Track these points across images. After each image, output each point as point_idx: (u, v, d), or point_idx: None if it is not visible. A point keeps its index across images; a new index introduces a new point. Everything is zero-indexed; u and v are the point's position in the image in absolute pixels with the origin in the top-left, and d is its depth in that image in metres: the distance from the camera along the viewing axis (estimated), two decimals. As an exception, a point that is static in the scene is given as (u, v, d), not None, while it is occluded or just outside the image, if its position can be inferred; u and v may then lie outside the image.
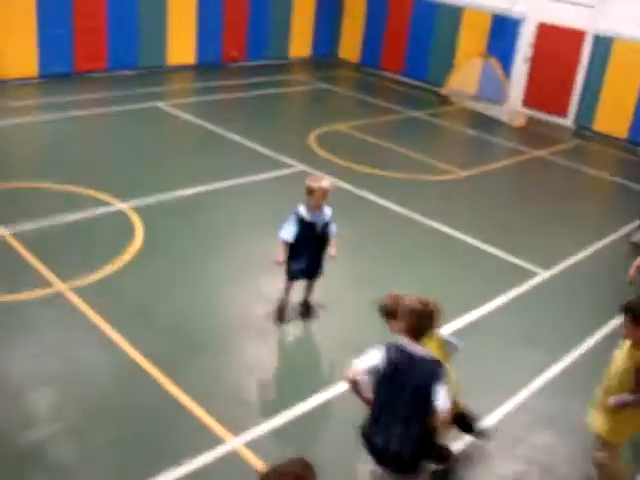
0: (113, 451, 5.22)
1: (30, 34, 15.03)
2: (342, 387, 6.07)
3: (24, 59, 15.16)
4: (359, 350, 4.53)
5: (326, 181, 6.84)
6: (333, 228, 6.98)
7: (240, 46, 18.88)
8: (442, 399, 4.04)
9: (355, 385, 4.30)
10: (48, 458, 5.08)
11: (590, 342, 7.28)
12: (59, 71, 15.72)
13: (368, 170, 11.62)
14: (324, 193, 6.69)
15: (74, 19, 15.60)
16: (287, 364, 6.67)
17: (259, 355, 6.55)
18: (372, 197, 10.44)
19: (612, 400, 4.71)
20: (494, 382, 6.45)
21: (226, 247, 8.59)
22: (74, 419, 5.48)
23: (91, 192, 9.61)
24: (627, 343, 4.80)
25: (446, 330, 7.12)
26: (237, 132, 12.90)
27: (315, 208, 6.78)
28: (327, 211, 6.91)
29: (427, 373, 4.10)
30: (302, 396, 6.00)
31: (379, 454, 4.28)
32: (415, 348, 4.16)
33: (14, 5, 14.62)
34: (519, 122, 16.10)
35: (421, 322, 4.17)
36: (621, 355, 4.82)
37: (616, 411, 4.74)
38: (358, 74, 19.74)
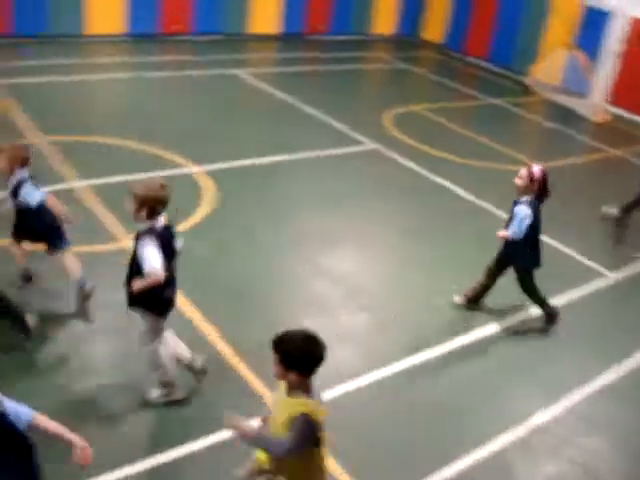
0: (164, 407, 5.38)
1: (120, -7, 15.39)
2: (418, 359, 6.11)
3: (112, 17, 15.50)
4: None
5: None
6: None
7: (325, 19, 18.84)
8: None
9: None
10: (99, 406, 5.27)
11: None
12: (145, 31, 16.02)
13: (442, 154, 11.49)
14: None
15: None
16: (345, 337, 6.69)
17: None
18: (444, 182, 10.33)
19: None
20: (547, 383, 6.36)
21: (291, 218, 8.65)
22: (132, 372, 5.65)
23: (166, 153, 9.81)
24: (281, 386, 3.75)
25: (521, 325, 7.07)
26: (313, 105, 12.93)
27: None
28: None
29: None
30: (356, 372, 6.03)
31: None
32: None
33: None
34: (602, 118, 15.62)
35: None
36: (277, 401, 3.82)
37: None
38: (440, 56, 19.45)
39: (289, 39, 18.11)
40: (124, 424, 5.12)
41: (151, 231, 4.74)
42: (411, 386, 6.00)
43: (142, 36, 15.94)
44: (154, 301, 4.96)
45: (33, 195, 6.02)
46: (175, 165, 9.52)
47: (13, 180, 5.99)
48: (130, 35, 15.86)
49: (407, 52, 19.02)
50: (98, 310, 6.27)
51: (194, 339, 6.03)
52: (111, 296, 6.12)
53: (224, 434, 4.94)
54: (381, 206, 9.34)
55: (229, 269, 7.32)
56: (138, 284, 4.75)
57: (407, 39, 20.34)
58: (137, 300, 4.94)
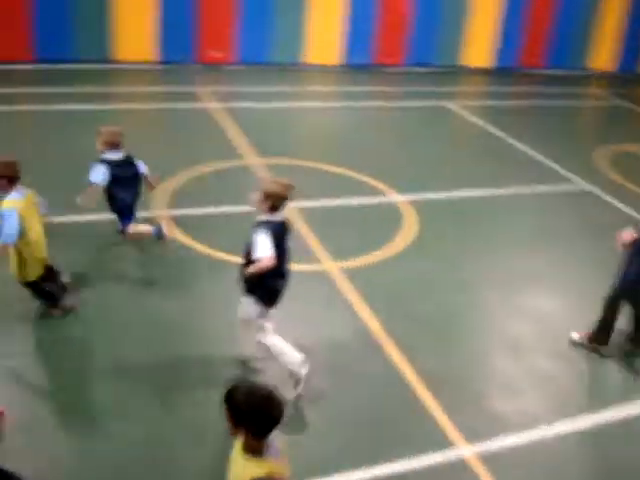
0: (342, 426, 5.40)
1: (335, 28, 16.04)
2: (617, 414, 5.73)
3: (329, 49, 16.19)
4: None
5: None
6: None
7: (540, 53, 18.35)
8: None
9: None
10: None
11: None
12: (360, 62, 16.54)
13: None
14: None
15: (380, 14, 16.29)
16: (539, 383, 6.37)
17: (506, 369, 6.35)
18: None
19: None
20: None
21: (492, 255, 8.42)
22: (317, 386, 5.75)
23: (370, 180, 9.98)
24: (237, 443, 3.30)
25: None
26: (522, 140, 12.58)
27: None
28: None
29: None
30: (549, 420, 5.72)
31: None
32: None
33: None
34: None
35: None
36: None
37: None
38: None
39: (502, 73, 17.82)
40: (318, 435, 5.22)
41: (268, 223, 5.27)
42: (611, 443, 5.57)
43: (356, 67, 16.45)
44: (264, 290, 5.45)
45: (97, 174, 6.99)
46: (379, 192, 9.66)
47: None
48: (345, 66, 16.43)
49: (625, 88, 17.98)
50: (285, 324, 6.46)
51: (385, 365, 6.03)
52: (308, 314, 6.27)
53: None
54: (591, 250, 8.80)
55: (425, 300, 7.26)
56: (251, 269, 5.22)
57: (626, 75, 19.25)
58: (249, 288, 5.44)
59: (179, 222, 8.21)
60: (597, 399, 6.10)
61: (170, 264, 7.40)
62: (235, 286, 5.69)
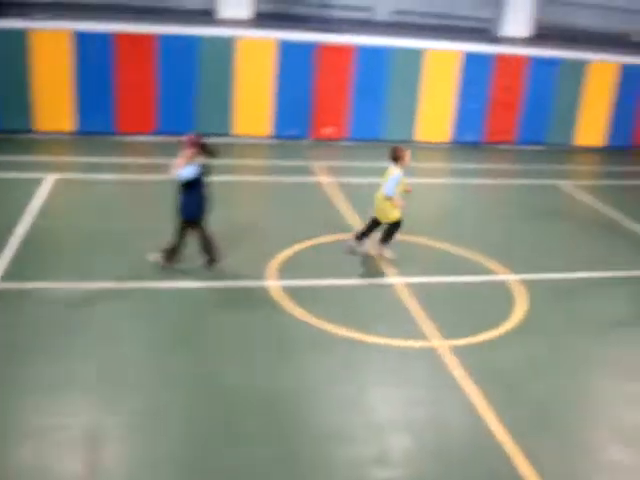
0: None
1: (448, 107, 16.30)
2: None
3: (440, 127, 16.44)
4: None
5: None
6: None
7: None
8: None
9: None
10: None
11: None
12: (471, 140, 16.67)
13: None
14: None
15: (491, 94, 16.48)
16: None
17: (623, 464, 6.06)
18: None
19: None
20: None
21: (602, 337, 8.17)
22: (422, 469, 5.68)
23: (480, 258, 9.93)
24: None
25: None
26: (637, 220, 12.24)
27: None
28: None
29: None
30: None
31: None
32: None
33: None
34: None
35: None
36: None
37: None
38: None
39: (615, 152, 17.48)
40: None
41: None
42: None
43: (467, 144, 16.58)
44: None
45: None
46: (489, 271, 9.59)
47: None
48: (455, 143, 16.59)
49: None
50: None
51: (495, 453, 5.91)
52: (416, 393, 6.24)
53: None
54: None
55: (536, 386, 7.08)
56: None
57: None
58: None
59: (291, 292, 8.42)
60: None
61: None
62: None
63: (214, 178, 8.66)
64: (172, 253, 8.55)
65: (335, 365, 7.01)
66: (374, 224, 9.57)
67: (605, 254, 10.72)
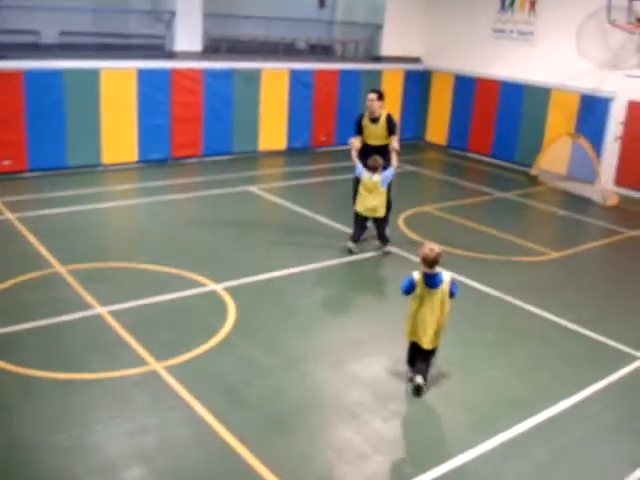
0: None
1: (132, 125, 16.04)
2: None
3: (125, 147, 16.11)
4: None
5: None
6: None
7: (329, 132, 19.44)
8: None
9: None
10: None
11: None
12: (158, 157, 16.61)
13: (457, 252, 11.52)
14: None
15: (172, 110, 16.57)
16: (379, 449, 6.50)
17: (348, 438, 6.45)
18: (463, 279, 10.29)
19: None
20: (591, 471, 6.13)
21: (312, 329, 8.63)
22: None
23: (184, 273, 9.90)
24: None
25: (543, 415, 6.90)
26: (325, 214, 13.12)
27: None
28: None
29: None
30: (393, 481, 5.84)
31: None
32: None
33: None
34: (611, 202, 15.74)
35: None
36: None
37: None
38: (445, 157, 19.88)
39: (294, 154, 18.65)
40: None
41: None
42: None
43: (154, 162, 16.48)
44: None
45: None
46: (195, 284, 9.58)
47: None
48: (143, 161, 16.39)
49: (413, 155, 19.38)
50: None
51: (225, 456, 5.91)
52: (142, 421, 6.02)
53: None
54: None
55: (257, 386, 7.23)
56: None
57: (412, 142, 20.80)
58: None
59: (-15, 346, 7.63)
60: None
61: None
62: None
63: None
64: None
65: (54, 411, 6.51)
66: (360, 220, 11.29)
67: (303, 248, 11.35)
